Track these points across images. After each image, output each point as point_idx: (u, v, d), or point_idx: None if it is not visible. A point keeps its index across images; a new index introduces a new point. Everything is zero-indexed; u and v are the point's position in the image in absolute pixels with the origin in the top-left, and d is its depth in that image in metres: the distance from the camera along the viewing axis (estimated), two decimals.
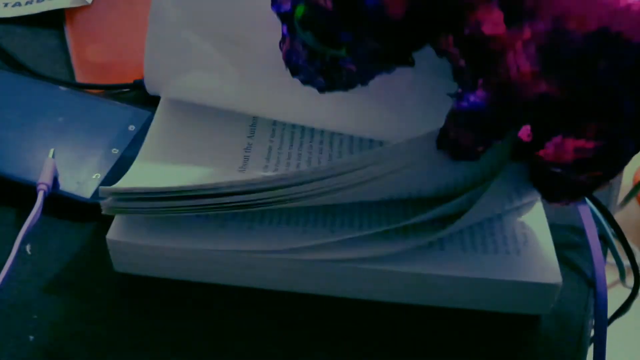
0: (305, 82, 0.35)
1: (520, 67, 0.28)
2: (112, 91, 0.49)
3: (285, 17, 0.33)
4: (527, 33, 0.28)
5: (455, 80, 0.32)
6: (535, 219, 0.39)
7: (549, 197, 0.33)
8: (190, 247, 0.36)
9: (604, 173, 0.30)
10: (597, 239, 0.38)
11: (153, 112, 0.45)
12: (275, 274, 0.37)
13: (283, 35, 0.34)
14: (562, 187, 0.31)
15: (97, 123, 0.45)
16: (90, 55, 0.52)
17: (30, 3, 0.56)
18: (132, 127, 0.45)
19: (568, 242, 0.40)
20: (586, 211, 0.39)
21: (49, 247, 0.39)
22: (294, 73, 0.34)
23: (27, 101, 0.46)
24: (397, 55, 0.32)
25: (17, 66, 0.51)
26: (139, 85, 0.49)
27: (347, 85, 0.34)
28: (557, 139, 0.30)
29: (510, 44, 0.28)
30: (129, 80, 0.50)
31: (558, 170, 0.30)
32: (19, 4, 0.56)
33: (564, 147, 0.29)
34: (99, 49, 0.53)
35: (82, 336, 0.36)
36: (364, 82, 0.34)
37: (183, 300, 0.37)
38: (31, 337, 0.35)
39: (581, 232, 0.40)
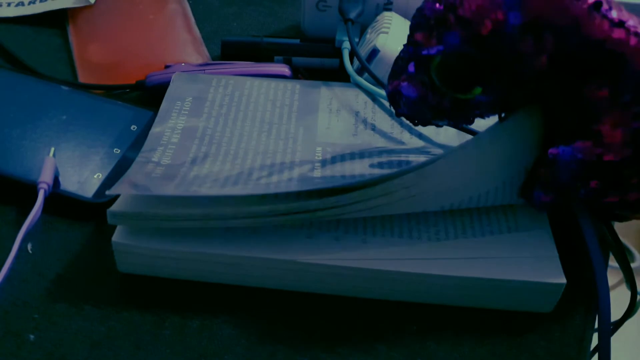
0: (405, 114, 0.37)
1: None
2: (114, 91, 0.49)
3: (422, 59, 0.35)
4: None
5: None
6: (537, 221, 0.39)
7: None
8: (198, 251, 0.36)
9: None
10: (596, 242, 0.37)
11: (155, 112, 0.45)
12: (278, 274, 0.37)
13: (407, 73, 0.35)
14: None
15: (99, 123, 0.45)
16: (93, 55, 0.52)
17: (33, 3, 0.56)
18: (134, 127, 0.45)
19: (570, 243, 0.40)
20: (584, 214, 0.39)
21: (50, 246, 0.39)
22: (396, 106, 0.36)
23: (29, 101, 0.46)
24: (523, 103, 0.36)
25: (20, 66, 0.52)
26: (141, 85, 0.49)
27: (455, 121, 0.37)
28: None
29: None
30: (131, 81, 0.50)
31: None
32: (22, 4, 0.56)
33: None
34: (101, 49, 0.53)
35: (82, 336, 0.35)
36: (471, 121, 0.37)
37: (186, 300, 0.37)
38: (31, 336, 0.35)
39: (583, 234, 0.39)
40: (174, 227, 0.36)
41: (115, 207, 0.36)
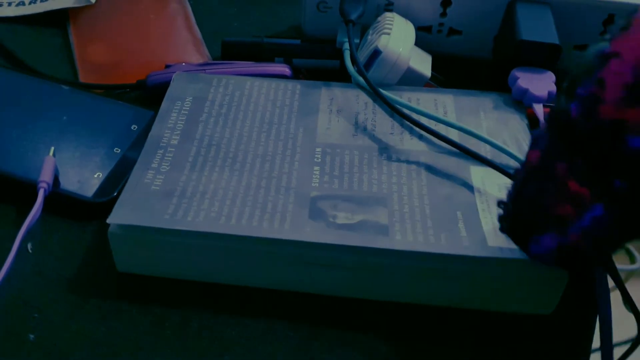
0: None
1: None
2: (114, 91, 0.49)
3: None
4: None
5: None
6: None
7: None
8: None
9: None
10: None
11: (155, 112, 0.45)
12: (278, 273, 0.37)
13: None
14: None
15: (99, 122, 0.45)
16: (94, 54, 0.52)
17: (34, 2, 0.56)
18: (134, 127, 0.45)
19: None
20: None
21: (50, 246, 0.39)
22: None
23: (29, 100, 0.46)
24: None
25: (20, 65, 0.52)
26: (141, 85, 0.49)
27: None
28: None
29: None
30: (132, 80, 0.50)
31: None
32: (23, 4, 0.56)
33: None
34: (102, 48, 0.53)
35: (82, 335, 0.35)
36: None
37: (185, 300, 0.37)
38: (31, 336, 0.35)
39: None
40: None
41: (114, 221, 0.36)
